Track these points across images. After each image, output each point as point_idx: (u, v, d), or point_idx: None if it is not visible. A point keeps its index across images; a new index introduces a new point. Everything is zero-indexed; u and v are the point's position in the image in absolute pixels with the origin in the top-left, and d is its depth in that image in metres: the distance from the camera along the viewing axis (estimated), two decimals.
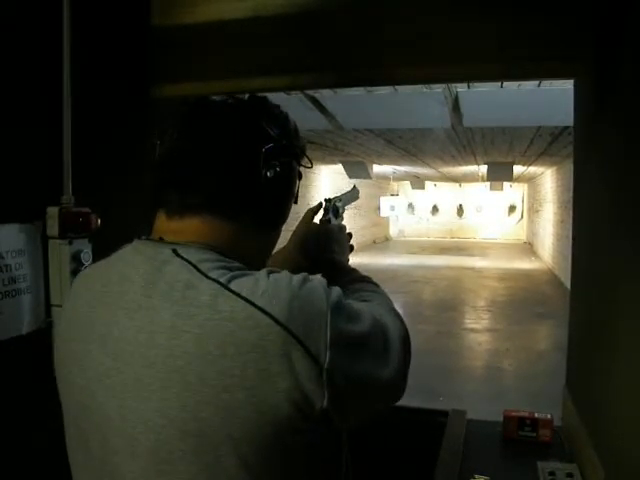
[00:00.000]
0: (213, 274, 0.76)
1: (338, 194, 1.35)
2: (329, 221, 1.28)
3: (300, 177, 0.97)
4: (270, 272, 0.78)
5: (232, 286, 0.74)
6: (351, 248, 1.27)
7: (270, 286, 0.75)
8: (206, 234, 0.84)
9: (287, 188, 0.93)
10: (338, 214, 1.31)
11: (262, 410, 0.71)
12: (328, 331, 0.74)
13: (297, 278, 0.77)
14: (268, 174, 0.86)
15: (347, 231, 1.32)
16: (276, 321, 0.72)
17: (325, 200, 1.30)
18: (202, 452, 0.72)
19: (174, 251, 0.80)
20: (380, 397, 0.86)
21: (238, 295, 0.73)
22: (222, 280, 0.75)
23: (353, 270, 1.14)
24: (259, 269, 0.80)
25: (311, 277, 0.80)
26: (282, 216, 0.94)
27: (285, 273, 0.78)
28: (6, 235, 1.35)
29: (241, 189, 0.85)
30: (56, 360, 0.91)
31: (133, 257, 0.84)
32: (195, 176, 0.84)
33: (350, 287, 1.01)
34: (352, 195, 1.38)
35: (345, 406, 0.78)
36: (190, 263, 0.78)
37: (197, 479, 0.73)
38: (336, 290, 0.80)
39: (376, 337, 0.83)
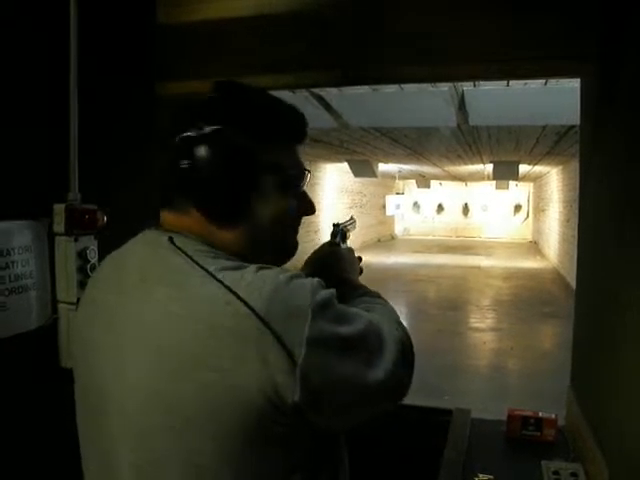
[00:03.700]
0: (203, 262, 0.81)
1: (342, 221, 1.40)
2: (338, 244, 1.32)
3: (271, 171, 0.90)
4: (261, 267, 0.81)
5: (218, 275, 0.78)
6: (360, 271, 1.27)
7: (256, 279, 0.78)
8: (192, 228, 0.88)
9: (234, 178, 0.87)
10: (345, 238, 1.36)
11: (234, 394, 0.74)
12: (306, 328, 0.75)
13: (285, 275, 0.80)
14: (207, 168, 0.85)
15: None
16: (253, 311, 0.75)
17: (334, 225, 1.35)
18: (180, 427, 0.76)
19: (170, 239, 0.85)
20: (367, 402, 0.85)
21: (222, 283, 0.77)
22: (210, 269, 0.79)
23: (363, 287, 1.15)
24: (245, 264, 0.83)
25: (304, 277, 0.82)
26: (238, 210, 0.88)
27: (275, 269, 0.81)
28: (13, 232, 1.36)
29: (189, 186, 0.87)
30: (73, 345, 0.98)
31: (136, 244, 0.91)
32: (179, 180, 0.87)
33: (358, 300, 1.02)
34: (352, 224, 1.44)
35: (322, 406, 0.78)
36: (182, 251, 0.83)
37: (174, 453, 0.77)
38: (327, 292, 0.81)
39: (368, 342, 0.83)
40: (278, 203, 0.92)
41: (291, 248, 1.00)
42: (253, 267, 0.80)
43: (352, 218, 1.45)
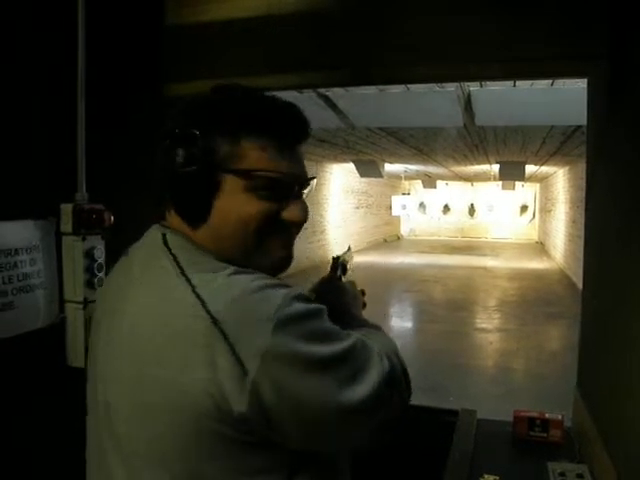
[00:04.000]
0: (185, 262, 0.83)
1: (340, 254, 1.36)
2: (340, 278, 1.29)
3: (239, 173, 0.86)
4: (237, 271, 0.80)
5: (191, 276, 0.80)
6: (364, 305, 1.23)
7: (225, 283, 0.78)
8: (179, 227, 0.90)
9: (192, 179, 0.86)
10: (346, 270, 1.32)
11: (181, 394, 0.75)
12: (264, 340, 0.73)
13: (258, 283, 0.78)
14: (184, 169, 0.86)
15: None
16: (209, 314, 0.75)
17: (333, 258, 1.31)
18: (142, 417, 0.79)
19: (163, 236, 0.88)
20: (344, 424, 0.81)
21: (190, 284, 0.79)
22: (187, 269, 0.81)
23: (366, 320, 1.12)
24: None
25: (285, 289, 0.79)
26: (198, 210, 0.87)
27: (253, 275, 0.80)
28: (21, 231, 1.36)
29: (165, 186, 0.90)
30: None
31: (144, 239, 0.94)
32: (160, 181, 0.91)
33: (357, 329, 0.98)
34: (350, 255, 1.40)
35: (278, 424, 0.75)
36: (169, 249, 0.85)
37: (142, 442, 0.79)
38: (303, 306, 0.78)
39: (349, 362, 0.80)
40: (250, 206, 0.86)
41: (278, 258, 0.92)
42: (230, 270, 0.80)
43: (349, 248, 1.43)
